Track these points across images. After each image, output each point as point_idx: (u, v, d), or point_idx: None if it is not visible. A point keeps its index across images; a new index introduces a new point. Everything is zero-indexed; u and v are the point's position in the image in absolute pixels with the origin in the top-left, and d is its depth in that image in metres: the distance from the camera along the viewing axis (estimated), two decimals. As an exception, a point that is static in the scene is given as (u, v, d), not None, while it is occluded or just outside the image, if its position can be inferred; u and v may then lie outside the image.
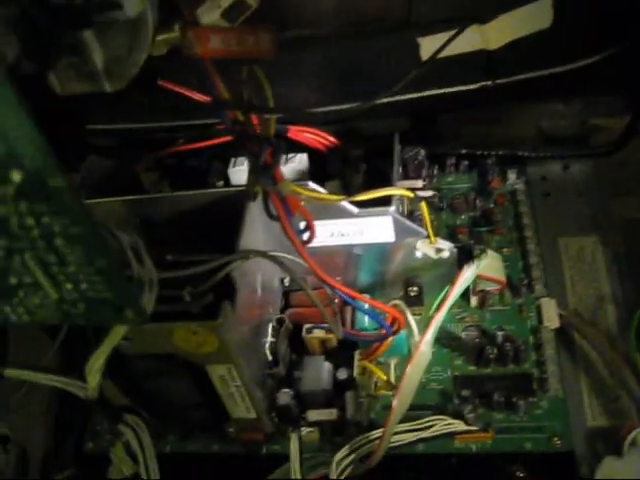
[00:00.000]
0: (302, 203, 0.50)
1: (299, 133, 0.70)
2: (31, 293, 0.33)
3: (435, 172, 0.76)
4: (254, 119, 0.46)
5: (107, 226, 0.33)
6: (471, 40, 0.63)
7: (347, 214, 0.59)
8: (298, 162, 0.68)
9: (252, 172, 0.47)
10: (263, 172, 0.44)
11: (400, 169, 0.69)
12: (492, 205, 0.73)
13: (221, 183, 0.71)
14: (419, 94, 0.68)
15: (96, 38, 0.43)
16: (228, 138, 0.71)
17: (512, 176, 0.74)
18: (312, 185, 0.56)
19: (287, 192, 0.46)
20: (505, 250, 0.69)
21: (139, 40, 0.43)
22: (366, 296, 0.57)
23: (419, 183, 0.71)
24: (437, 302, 0.57)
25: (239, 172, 0.69)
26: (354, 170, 0.71)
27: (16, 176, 0.27)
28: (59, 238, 0.29)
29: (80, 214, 0.29)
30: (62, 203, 0.28)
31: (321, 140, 0.71)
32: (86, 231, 0.29)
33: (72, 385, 0.48)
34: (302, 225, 0.51)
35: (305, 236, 0.50)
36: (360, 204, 0.59)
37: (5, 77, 0.25)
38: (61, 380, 0.48)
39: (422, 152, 0.71)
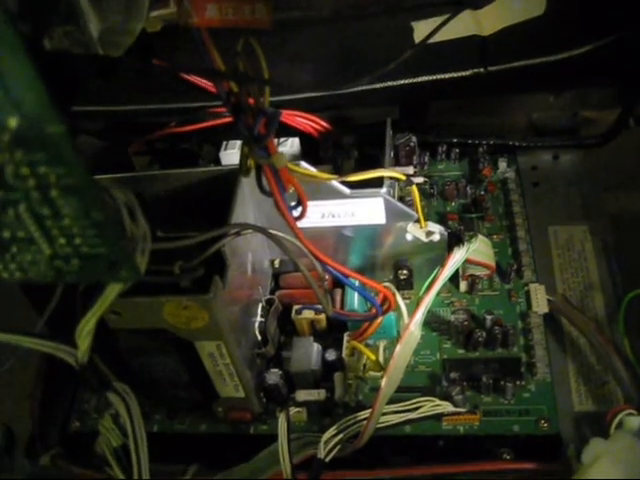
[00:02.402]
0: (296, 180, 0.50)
1: (292, 117, 0.70)
2: (24, 248, 0.32)
3: (426, 159, 0.76)
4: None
5: (102, 183, 0.33)
6: (465, 25, 0.64)
7: (339, 195, 0.59)
8: (290, 146, 0.69)
9: (245, 145, 0.47)
10: (256, 143, 0.44)
11: (392, 155, 0.70)
12: (482, 192, 0.73)
13: (212, 166, 0.71)
14: (412, 80, 0.68)
15: (92, 6, 0.43)
16: (220, 121, 0.71)
17: (503, 164, 0.75)
18: (304, 164, 0.56)
19: (281, 165, 0.45)
20: (495, 237, 0.70)
21: (135, 9, 0.43)
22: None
23: (410, 170, 0.71)
24: (427, 283, 0.57)
25: (231, 155, 0.69)
26: (346, 156, 0.71)
27: (12, 122, 0.27)
28: (54, 189, 0.29)
29: (76, 164, 0.28)
30: (59, 152, 0.28)
31: (314, 125, 0.71)
32: (82, 182, 0.29)
33: (61, 350, 0.48)
34: (293, 203, 0.51)
35: (297, 212, 0.49)
36: (351, 186, 0.59)
37: (6, 18, 0.25)
38: (50, 345, 0.48)
39: (414, 139, 0.72)
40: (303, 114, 0.70)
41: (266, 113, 0.44)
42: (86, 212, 0.30)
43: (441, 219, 0.72)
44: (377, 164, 0.64)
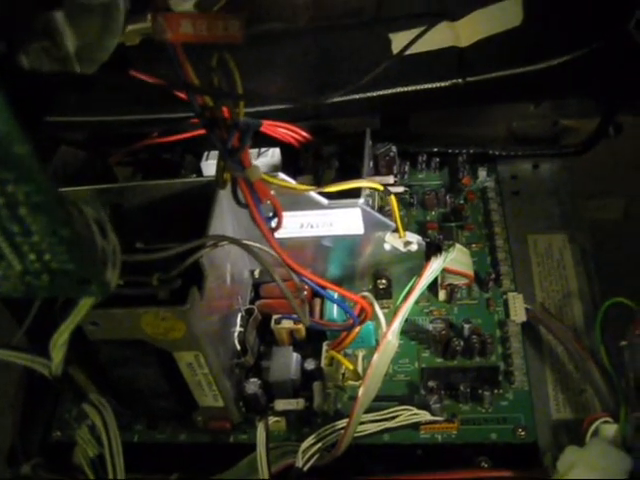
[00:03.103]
0: (272, 192, 0.51)
1: (273, 128, 0.70)
2: (-5, 264, 0.33)
3: (406, 169, 0.77)
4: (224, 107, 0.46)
5: (72, 199, 0.33)
6: (442, 37, 0.64)
7: (317, 205, 0.59)
8: (271, 156, 0.69)
9: (221, 159, 0.47)
10: (231, 157, 0.44)
11: (371, 165, 0.70)
12: (462, 201, 0.73)
13: (194, 177, 0.72)
14: (391, 90, 0.69)
15: (68, 22, 0.43)
16: (201, 132, 0.71)
17: (482, 174, 0.75)
18: (282, 175, 0.56)
19: (255, 178, 0.46)
20: (474, 246, 0.70)
21: (110, 25, 0.44)
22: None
23: (390, 179, 0.72)
24: (404, 293, 0.58)
25: (212, 165, 0.69)
26: (327, 166, 0.71)
27: (-21, 143, 0.27)
28: (23, 207, 0.30)
29: (44, 182, 0.29)
30: (26, 171, 0.28)
31: (294, 135, 0.72)
32: (50, 200, 0.29)
33: (36, 362, 0.48)
34: (271, 214, 0.51)
35: (273, 223, 0.50)
36: (330, 196, 0.59)
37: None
38: (24, 357, 0.48)
39: (394, 148, 0.72)
40: (284, 124, 0.71)
41: (240, 127, 0.44)
42: (54, 229, 0.30)
43: (421, 228, 0.72)
44: (358, 174, 0.65)
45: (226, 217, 0.59)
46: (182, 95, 0.68)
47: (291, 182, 0.56)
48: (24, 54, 0.43)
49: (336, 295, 0.57)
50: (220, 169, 0.48)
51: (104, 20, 0.43)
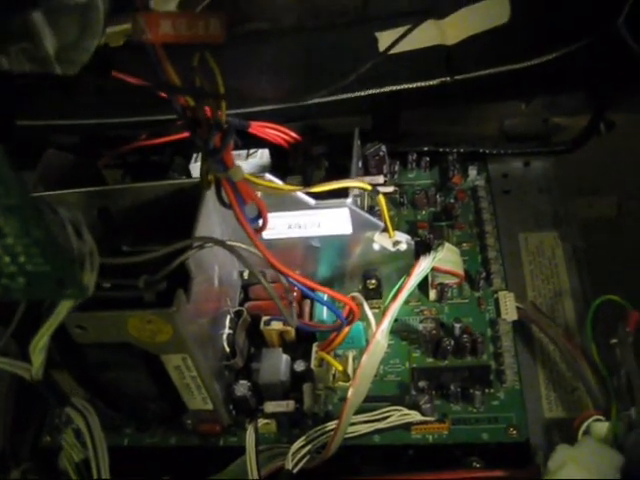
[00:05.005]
0: (258, 194, 0.50)
1: (261, 128, 0.70)
2: (-31, 267, 0.33)
3: (396, 168, 0.76)
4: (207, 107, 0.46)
5: (46, 201, 0.33)
6: (429, 35, 0.64)
7: (304, 206, 0.59)
8: (260, 157, 0.68)
9: (204, 160, 0.47)
10: (212, 157, 0.44)
11: (361, 164, 0.70)
12: (452, 200, 0.73)
13: (183, 178, 0.71)
14: (379, 90, 0.69)
15: (46, 23, 0.43)
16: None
17: (473, 172, 0.75)
18: (269, 176, 0.56)
19: (238, 178, 0.46)
20: (465, 245, 0.70)
21: (90, 26, 0.43)
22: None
23: (380, 179, 0.71)
24: (393, 292, 0.58)
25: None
26: (316, 166, 0.71)
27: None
28: (-6, 210, 0.29)
29: (14, 184, 0.29)
30: (-5, 173, 0.28)
31: (283, 136, 0.71)
32: (21, 202, 0.29)
33: (16, 367, 0.48)
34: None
35: (258, 224, 0.50)
36: (317, 196, 0.59)
37: None
38: (4, 361, 0.48)
39: (383, 148, 0.72)
40: (272, 125, 0.70)
41: (221, 127, 0.44)
42: (27, 231, 0.30)
43: (412, 228, 0.72)
44: (348, 174, 0.65)
45: (213, 218, 0.58)
46: (165, 96, 0.68)
47: (278, 182, 0.56)
48: (3, 55, 0.43)
49: (325, 296, 0.57)
50: (204, 170, 0.48)
51: (83, 20, 0.43)
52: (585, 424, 0.54)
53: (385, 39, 0.63)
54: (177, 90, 0.43)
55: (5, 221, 0.30)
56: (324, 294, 0.56)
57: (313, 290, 0.55)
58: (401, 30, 0.62)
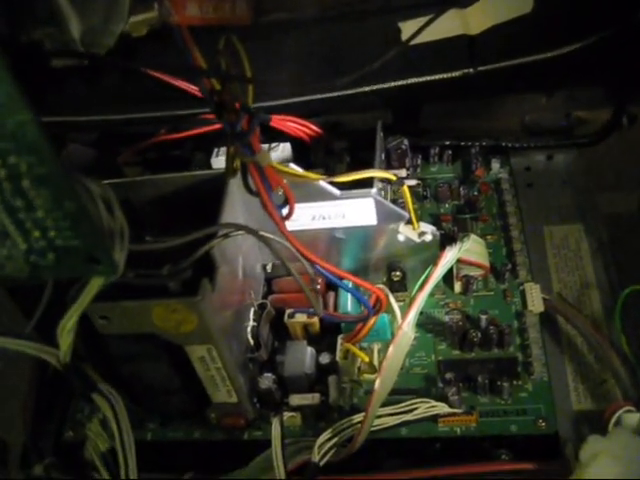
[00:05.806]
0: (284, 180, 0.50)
1: (282, 122, 0.70)
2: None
3: (419, 162, 0.76)
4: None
5: (78, 174, 0.33)
6: (452, 25, 0.64)
7: (329, 196, 0.59)
8: (281, 151, 0.68)
9: (230, 145, 0.47)
10: (240, 140, 0.44)
11: (383, 157, 0.69)
12: (476, 193, 0.72)
13: (205, 172, 0.71)
14: (401, 82, 0.68)
15: (73, 8, 0.42)
16: (211, 128, 0.71)
17: (496, 165, 0.75)
18: (293, 166, 0.55)
19: (265, 162, 0.45)
20: (489, 237, 0.69)
21: (116, 10, 0.43)
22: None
23: (403, 172, 0.71)
24: (419, 283, 0.57)
25: (222, 162, 0.69)
26: (338, 161, 0.70)
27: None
28: (25, 179, 0.29)
29: (47, 153, 0.28)
30: (28, 140, 0.28)
31: (305, 130, 0.71)
32: (53, 171, 0.29)
33: (44, 352, 0.48)
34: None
35: (284, 211, 0.49)
36: (342, 188, 0.59)
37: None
38: (32, 346, 0.48)
39: (405, 141, 0.71)
40: (294, 119, 0.70)
41: (249, 110, 0.44)
42: (59, 202, 0.29)
43: (435, 221, 0.71)
44: (371, 168, 0.64)
45: (237, 209, 0.58)
46: (191, 90, 0.68)
47: (302, 171, 0.55)
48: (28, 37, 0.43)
49: (350, 285, 0.56)
50: (230, 157, 0.48)
51: (109, 6, 0.43)
52: (616, 415, 0.53)
53: (408, 29, 0.63)
54: (204, 73, 0.43)
55: (37, 192, 0.29)
56: (350, 283, 0.56)
57: (341, 278, 0.54)
58: (424, 20, 0.61)
